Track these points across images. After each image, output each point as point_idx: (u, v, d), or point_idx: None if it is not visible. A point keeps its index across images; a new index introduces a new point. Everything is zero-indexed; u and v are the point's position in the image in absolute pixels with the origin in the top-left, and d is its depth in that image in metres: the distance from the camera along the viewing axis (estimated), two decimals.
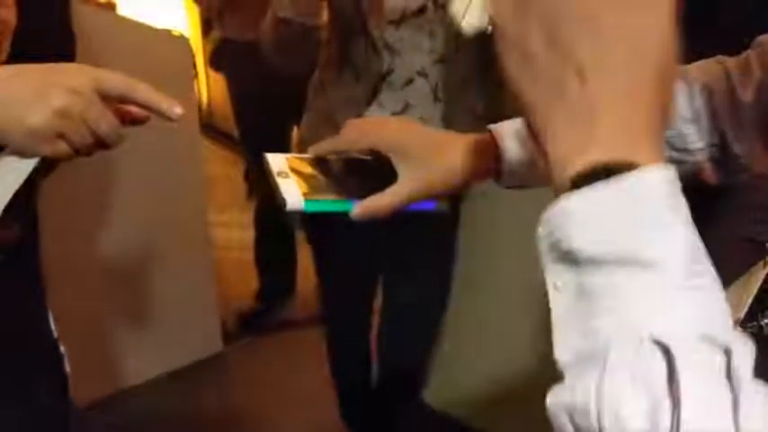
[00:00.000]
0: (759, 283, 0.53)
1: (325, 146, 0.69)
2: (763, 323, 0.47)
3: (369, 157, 0.67)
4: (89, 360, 1.72)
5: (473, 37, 1.29)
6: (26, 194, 1.08)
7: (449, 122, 1.33)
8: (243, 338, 2.39)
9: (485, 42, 1.32)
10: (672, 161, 0.67)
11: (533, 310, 1.75)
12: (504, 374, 1.83)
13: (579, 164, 0.36)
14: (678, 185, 0.36)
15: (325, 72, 1.39)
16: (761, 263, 0.56)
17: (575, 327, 0.37)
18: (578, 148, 0.36)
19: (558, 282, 0.37)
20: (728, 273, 0.62)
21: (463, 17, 1.27)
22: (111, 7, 2.07)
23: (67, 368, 1.22)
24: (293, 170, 0.63)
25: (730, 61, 0.66)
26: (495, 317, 1.79)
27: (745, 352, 0.34)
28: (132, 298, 1.99)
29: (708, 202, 1.20)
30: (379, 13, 1.25)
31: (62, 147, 0.69)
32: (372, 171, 0.65)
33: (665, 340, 0.33)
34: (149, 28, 1.88)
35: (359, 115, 1.32)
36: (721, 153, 0.65)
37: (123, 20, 1.86)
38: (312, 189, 0.61)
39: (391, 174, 0.63)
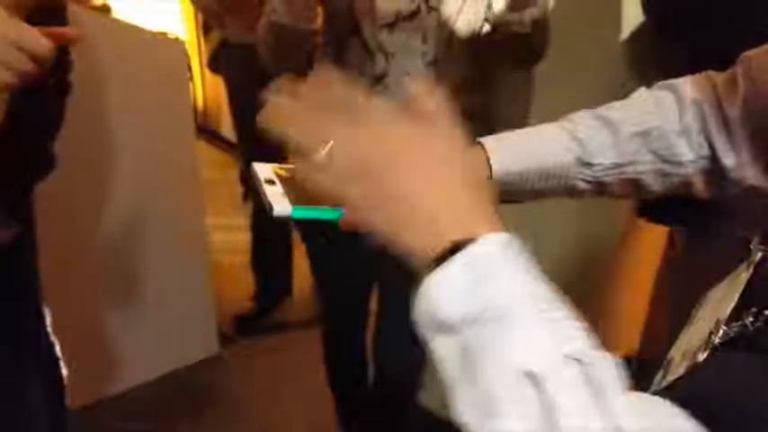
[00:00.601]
0: (743, 283, 0.54)
1: None
2: (747, 321, 0.48)
3: None
4: (86, 362, 1.72)
5: (465, 39, 1.30)
6: (23, 195, 1.09)
7: None
8: (239, 341, 2.39)
9: (477, 44, 1.33)
10: (662, 174, 0.68)
11: None
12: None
13: (434, 251, 0.44)
14: (516, 244, 0.44)
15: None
16: (745, 263, 0.57)
17: (465, 385, 0.42)
18: (431, 242, 0.45)
19: (442, 351, 0.44)
20: (718, 270, 0.63)
21: (455, 20, 1.28)
22: (107, 10, 2.07)
23: (64, 370, 1.22)
24: (281, 178, 0.64)
25: (718, 76, 0.67)
26: None
27: (605, 363, 0.40)
28: (129, 301, 1.99)
29: (697, 204, 1.21)
30: (372, 17, 1.26)
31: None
32: None
33: (534, 370, 0.39)
34: (144, 31, 1.88)
35: None
36: (712, 165, 0.66)
37: (118, 23, 1.86)
38: (300, 197, 0.62)
39: None
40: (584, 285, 1.77)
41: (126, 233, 1.92)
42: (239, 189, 3.44)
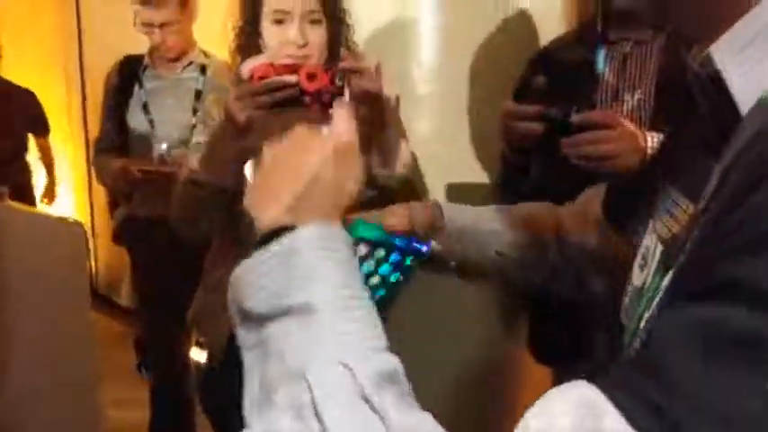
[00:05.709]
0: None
1: None
2: None
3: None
4: None
5: None
6: None
7: None
8: None
9: None
10: None
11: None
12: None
13: (258, 233, 0.46)
14: (333, 236, 0.44)
15: (220, 246, 1.45)
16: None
17: (255, 378, 0.42)
18: (267, 219, 0.47)
19: (246, 341, 0.43)
20: None
21: None
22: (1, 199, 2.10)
23: None
24: None
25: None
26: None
27: (380, 372, 0.39)
28: None
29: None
30: None
31: None
32: None
33: (309, 376, 0.39)
34: (42, 216, 1.91)
35: None
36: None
37: (15, 210, 1.88)
38: None
39: None
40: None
41: (18, 414, 1.84)
42: (134, 357, 3.28)
